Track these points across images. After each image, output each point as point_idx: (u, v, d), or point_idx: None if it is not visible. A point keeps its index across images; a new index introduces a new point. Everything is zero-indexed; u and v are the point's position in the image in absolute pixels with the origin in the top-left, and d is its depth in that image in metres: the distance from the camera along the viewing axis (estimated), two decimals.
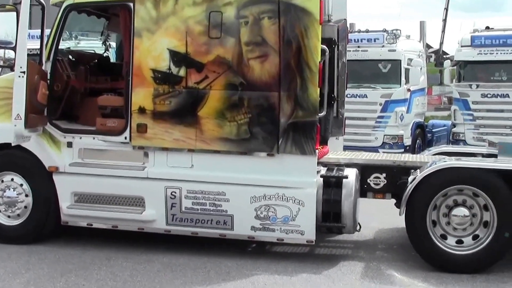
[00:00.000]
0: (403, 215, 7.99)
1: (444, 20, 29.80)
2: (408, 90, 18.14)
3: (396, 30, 18.34)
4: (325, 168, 8.43)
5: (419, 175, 7.87)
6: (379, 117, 18.00)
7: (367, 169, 8.63)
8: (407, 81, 18.03)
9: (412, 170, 8.32)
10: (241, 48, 7.89)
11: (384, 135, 17.92)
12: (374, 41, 18.08)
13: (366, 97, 17.86)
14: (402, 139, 17.91)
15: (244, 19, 7.89)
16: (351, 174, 8.21)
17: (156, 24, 8.10)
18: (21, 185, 8.72)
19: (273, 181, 7.93)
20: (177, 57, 8.03)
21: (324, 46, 8.06)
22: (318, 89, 7.81)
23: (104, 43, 10.71)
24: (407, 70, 18.04)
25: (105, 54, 10.66)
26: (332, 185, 8.09)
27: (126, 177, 8.34)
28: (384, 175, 8.58)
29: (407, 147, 18.03)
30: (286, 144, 7.86)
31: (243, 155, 8.01)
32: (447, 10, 29.77)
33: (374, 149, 16.35)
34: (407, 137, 18.18)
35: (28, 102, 7.88)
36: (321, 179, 8.13)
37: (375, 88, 17.99)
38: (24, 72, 7.81)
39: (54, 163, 8.56)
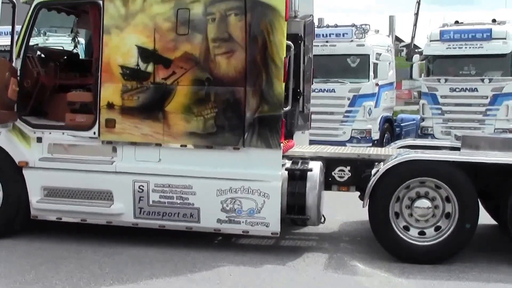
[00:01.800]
0: (367, 207, 8.15)
1: (416, 14, 29.96)
2: (377, 84, 18.26)
3: (365, 25, 18.47)
4: (290, 162, 8.56)
5: (382, 167, 8.02)
6: (347, 111, 18.07)
7: (332, 162, 8.77)
8: (375, 76, 18.15)
9: (376, 163, 8.47)
10: (208, 44, 7.99)
11: (352, 129, 18.03)
12: (343, 36, 18.15)
13: (334, 91, 17.93)
14: (370, 133, 18.04)
15: (211, 16, 7.99)
16: (316, 167, 8.36)
17: (125, 21, 8.19)
18: None
19: (239, 174, 8.05)
20: (145, 54, 8.12)
21: (290, 42, 8.17)
22: (283, 84, 7.93)
23: (73, 39, 10.74)
24: (375, 65, 18.15)
25: (74, 51, 10.68)
26: (296, 178, 8.23)
27: (94, 171, 8.42)
28: (348, 168, 8.74)
29: (375, 141, 18.16)
30: (252, 138, 7.98)
31: (210, 149, 8.13)
32: (419, 4, 29.92)
33: (342, 143, 16.31)
34: (375, 131, 18.33)
35: None
36: (286, 172, 8.27)
37: (343, 82, 18.07)
38: None
39: (24, 158, 8.62)
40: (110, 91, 8.25)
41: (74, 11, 9.87)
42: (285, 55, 7.93)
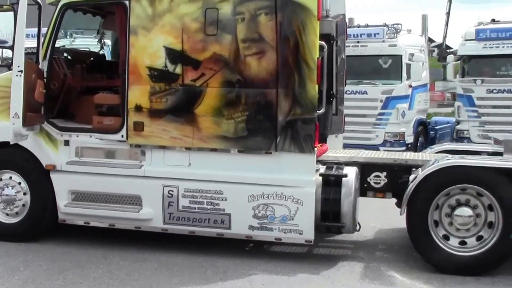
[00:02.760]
0: (404, 215, 7.88)
1: (448, 13, 29.38)
2: (410, 86, 17.77)
3: (397, 24, 18.00)
4: (324, 167, 8.33)
5: (420, 173, 7.75)
6: (380, 114, 17.63)
7: (367, 167, 8.53)
8: (408, 77, 17.67)
9: (414, 169, 8.21)
10: (238, 45, 7.80)
11: (385, 133, 17.55)
12: (374, 36, 17.72)
13: (366, 93, 17.52)
14: (404, 137, 17.56)
15: (241, 16, 7.79)
16: (351, 173, 8.11)
17: (151, 22, 8.03)
18: (19, 183, 8.72)
19: (271, 180, 7.85)
20: (173, 55, 7.95)
21: (322, 42, 7.95)
22: (317, 86, 7.70)
23: (99, 41, 10.64)
24: (408, 66, 17.66)
25: (101, 52, 10.58)
26: (331, 184, 8.00)
27: (123, 175, 8.29)
28: (384, 173, 8.49)
29: (409, 145, 17.70)
30: (284, 142, 7.77)
31: (241, 153, 7.94)
32: (450, 3, 29.36)
33: (375, 147, 16.07)
34: (409, 134, 17.82)
35: (25, 101, 7.92)
36: (320, 177, 8.04)
37: (375, 84, 17.66)
38: (21, 71, 7.86)
39: (51, 162, 8.54)
40: (137, 93, 8.10)
41: (100, 12, 9.77)
42: (318, 56, 7.70)
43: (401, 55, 17.53)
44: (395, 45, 17.51)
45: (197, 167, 8.08)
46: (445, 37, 31.67)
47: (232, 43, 7.81)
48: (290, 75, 7.70)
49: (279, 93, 7.72)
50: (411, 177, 7.91)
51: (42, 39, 8.49)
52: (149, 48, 8.05)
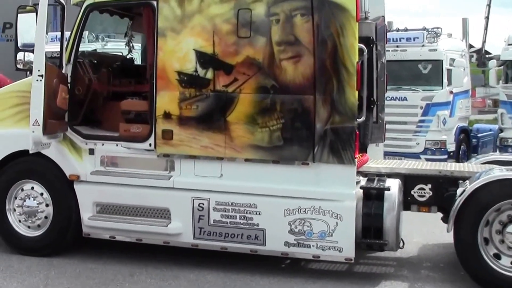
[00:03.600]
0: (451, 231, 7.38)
1: (487, 18, 28.90)
2: (451, 92, 17.24)
3: (437, 28, 17.43)
4: (365, 179, 7.87)
5: (468, 187, 7.24)
6: (420, 121, 17.06)
7: (411, 179, 8.04)
8: (449, 83, 17.11)
9: (460, 181, 7.74)
10: (273, 48, 7.38)
11: (426, 141, 16.96)
12: (414, 40, 17.19)
13: (406, 100, 16.98)
14: (445, 145, 17.00)
15: (275, 17, 7.37)
16: (394, 186, 7.63)
17: (181, 23, 7.65)
18: (42, 194, 8.38)
19: (308, 193, 7.39)
20: (204, 58, 7.57)
21: (362, 45, 7.50)
22: (356, 92, 7.24)
23: (127, 44, 10.33)
24: (449, 71, 17.10)
25: (128, 56, 10.25)
26: (373, 197, 7.51)
27: (150, 186, 7.91)
28: (429, 186, 7.98)
29: (451, 153, 17.17)
30: (322, 152, 7.31)
31: (276, 164, 7.49)
32: (489, 7, 28.87)
33: (415, 155, 15.80)
34: (450, 142, 17.27)
35: (46, 107, 7.50)
36: (361, 190, 7.56)
37: (415, 90, 17.14)
38: (42, 76, 7.44)
39: (75, 171, 8.18)
40: (166, 100, 7.71)
41: (128, 14, 9.47)
42: (357, 60, 7.23)
43: (442, 60, 17.00)
44: (435, 50, 16.97)
45: (230, 178, 7.67)
46: (484, 42, 31.18)
47: (267, 46, 7.40)
48: (328, 81, 7.25)
49: (316, 99, 7.28)
50: (459, 191, 7.42)
51: (66, 42, 8.19)
52: (178, 52, 7.67)
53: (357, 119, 7.34)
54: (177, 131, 7.68)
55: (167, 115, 7.69)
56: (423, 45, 17.03)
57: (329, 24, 7.21)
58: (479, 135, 19.26)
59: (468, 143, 18.46)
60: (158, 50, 7.72)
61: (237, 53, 7.47)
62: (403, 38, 17.23)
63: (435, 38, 17.09)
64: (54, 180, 8.32)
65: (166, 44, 7.69)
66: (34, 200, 8.37)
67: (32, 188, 8.40)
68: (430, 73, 17.17)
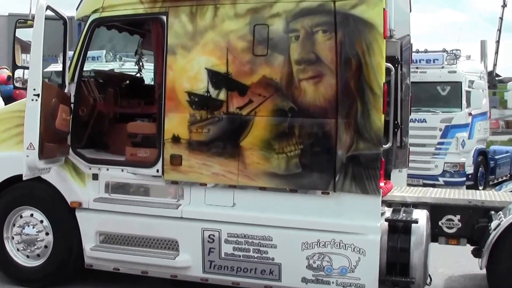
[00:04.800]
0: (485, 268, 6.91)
1: (497, 42, 29.06)
2: (470, 114, 17.04)
3: (456, 50, 17.30)
4: (390, 209, 7.33)
5: (504, 220, 6.76)
6: (439, 143, 16.83)
7: (438, 209, 7.59)
8: (468, 105, 16.96)
9: (492, 212, 7.27)
10: (291, 67, 6.83)
11: (445, 163, 16.73)
12: (433, 62, 17.05)
13: (425, 121, 16.71)
14: (464, 167, 16.74)
15: (295, 33, 6.83)
16: (422, 218, 7.05)
17: (192, 40, 7.15)
18: (41, 221, 7.88)
19: (328, 225, 6.81)
20: (216, 78, 7.05)
21: (389, 65, 6.97)
22: (383, 116, 6.67)
23: (137, 62, 9.91)
24: (468, 93, 16.97)
25: (139, 75, 9.82)
26: (399, 230, 6.93)
27: (157, 216, 7.37)
28: (458, 217, 7.54)
29: (469, 176, 16.94)
30: (345, 181, 6.73)
31: (294, 193, 6.93)
32: (500, 32, 29.05)
33: (433, 178, 15.82)
34: (469, 165, 17.03)
35: (43, 129, 6.93)
36: (386, 223, 6.98)
37: (435, 112, 16.92)
38: (38, 95, 6.86)
39: (77, 198, 7.69)
40: (175, 122, 7.21)
41: (138, 31, 9.06)
42: (384, 81, 6.65)
43: (461, 82, 16.90)
44: (454, 72, 16.86)
45: (243, 208, 7.13)
46: (495, 65, 31.22)
47: (285, 65, 6.85)
48: (351, 103, 6.68)
49: (338, 123, 6.71)
50: (493, 224, 6.94)
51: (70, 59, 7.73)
52: (189, 70, 7.16)
53: (383, 145, 6.77)
54: (187, 156, 7.17)
55: (176, 139, 7.18)
56: (442, 67, 16.93)
57: (354, 41, 6.65)
58: (496, 157, 19.13)
59: (486, 165, 18.29)
60: (167, 68, 7.23)
61: (252, 72, 6.94)
62: (423, 60, 17.10)
63: (455, 60, 17.01)
64: (55, 207, 7.83)
65: (176, 62, 7.20)
66: (33, 228, 7.88)
67: (32, 215, 7.91)
68: (449, 94, 17.08)
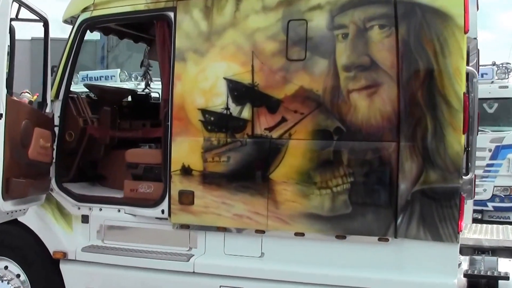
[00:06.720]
0: None
1: None
2: None
3: (507, 63, 16.42)
4: (466, 259, 6.01)
5: None
6: (488, 165, 15.79)
7: None
8: None
9: None
10: (338, 75, 5.53)
11: (494, 186, 15.67)
12: (482, 76, 16.05)
13: None
14: None
15: (342, 30, 5.54)
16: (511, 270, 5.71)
17: (207, 42, 5.96)
18: (18, 276, 6.77)
19: (387, 283, 5.55)
20: (238, 91, 5.86)
21: (472, 69, 5.61)
22: (463, 137, 5.28)
23: (144, 75, 8.76)
24: None
25: (145, 91, 8.67)
26: None
27: (163, 270, 6.20)
28: None
29: None
30: (409, 224, 5.41)
31: (341, 240, 5.66)
32: None
33: (482, 203, 14.72)
34: None
35: (8, 161, 5.46)
36: (465, 279, 5.64)
37: (483, 131, 15.73)
38: (0, 115, 5.33)
39: (62, 247, 6.56)
40: (185, 149, 6.02)
41: (141, 35, 7.93)
42: (464, 90, 5.25)
43: None
44: (506, 87, 15.88)
45: (274, 260, 5.94)
46: None
47: (329, 73, 5.60)
48: (419, 121, 5.36)
49: (401, 148, 5.39)
50: None
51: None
52: (202, 81, 5.97)
53: (463, 176, 5.36)
54: (200, 193, 6.00)
55: (186, 171, 5.99)
56: (492, 82, 16.01)
57: (422, 38, 5.31)
58: None
59: None
60: (175, 79, 6.01)
61: (286, 82, 5.71)
62: None
63: (506, 74, 16.08)
64: (34, 258, 6.72)
65: (186, 71, 5.99)
66: (8, 283, 6.75)
67: (6, 267, 6.80)
68: (499, 112, 16.11)
